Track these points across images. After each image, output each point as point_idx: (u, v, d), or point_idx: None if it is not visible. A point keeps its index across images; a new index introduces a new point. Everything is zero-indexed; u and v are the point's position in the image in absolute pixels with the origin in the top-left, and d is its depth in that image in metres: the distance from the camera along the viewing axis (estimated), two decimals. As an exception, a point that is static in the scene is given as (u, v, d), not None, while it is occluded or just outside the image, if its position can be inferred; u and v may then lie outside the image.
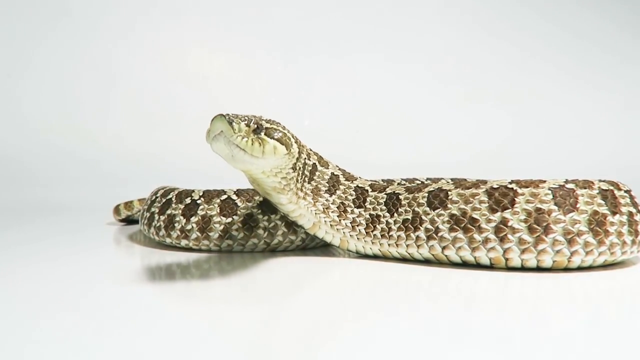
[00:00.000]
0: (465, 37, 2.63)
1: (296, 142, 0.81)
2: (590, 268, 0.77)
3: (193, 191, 0.97)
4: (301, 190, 0.84)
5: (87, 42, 2.31)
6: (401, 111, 2.48)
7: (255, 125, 0.72)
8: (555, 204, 0.74)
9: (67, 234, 1.25)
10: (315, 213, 0.86)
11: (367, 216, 0.86)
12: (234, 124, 0.69)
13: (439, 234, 0.78)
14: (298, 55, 2.48)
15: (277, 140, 0.74)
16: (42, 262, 0.90)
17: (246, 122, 0.71)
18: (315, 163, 0.87)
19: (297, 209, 0.84)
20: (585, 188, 0.76)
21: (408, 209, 0.82)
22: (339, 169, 0.90)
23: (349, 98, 2.47)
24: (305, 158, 0.84)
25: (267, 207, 0.93)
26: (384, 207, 0.85)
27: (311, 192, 0.86)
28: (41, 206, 1.73)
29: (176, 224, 0.95)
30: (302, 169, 0.83)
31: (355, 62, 2.52)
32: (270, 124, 0.75)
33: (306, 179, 0.85)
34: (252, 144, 0.71)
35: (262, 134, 0.72)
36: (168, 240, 0.97)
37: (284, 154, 0.76)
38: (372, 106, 2.48)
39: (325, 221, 0.86)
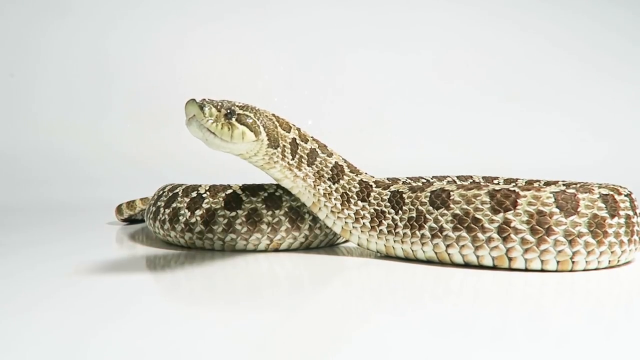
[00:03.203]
0: (471, 35, 2.61)
1: (267, 128, 0.82)
2: (594, 269, 0.78)
3: (199, 186, 0.97)
4: (298, 169, 0.87)
5: (90, 41, 2.31)
6: (405, 110, 2.47)
7: (227, 111, 0.75)
8: (557, 207, 0.75)
9: (69, 234, 1.24)
10: (314, 194, 0.88)
11: (372, 211, 0.87)
12: (205, 108, 0.73)
13: (444, 233, 0.79)
14: (302, 55, 2.48)
15: (247, 126, 0.77)
16: (44, 262, 0.90)
17: (217, 107, 0.74)
18: (314, 148, 0.89)
19: (295, 186, 0.87)
20: (586, 192, 0.77)
21: (412, 207, 0.83)
22: (345, 161, 0.91)
23: (353, 97, 2.47)
24: (294, 139, 0.87)
25: (272, 202, 0.93)
26: (388, 204, 0.86)
27: (313, 175, 0.88)
28: (42, 206, 1.72)
29: (181, 217, 0.95)
30: (288, 146, 0.85)
31: (359, 60, 2.52)
32: (243, 110, 0.78)
33: (303, 160, 0.87)
34: (222, 128, 0.74)
35: (234, 119, 0.75)
36: (172, 234, 0.97)
37: (252, 141, 0.79)
38: (376, 105, 2.48)
39: (326, 205, 0.88)
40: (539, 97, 2.60)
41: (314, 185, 0.88)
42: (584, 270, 0.77)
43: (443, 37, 2.60)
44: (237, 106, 0.77)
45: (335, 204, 0.88)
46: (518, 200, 0.76)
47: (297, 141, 0.87)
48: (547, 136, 2.51)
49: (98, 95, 2.29)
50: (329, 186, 0.88)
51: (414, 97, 2.51)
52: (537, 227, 0.75)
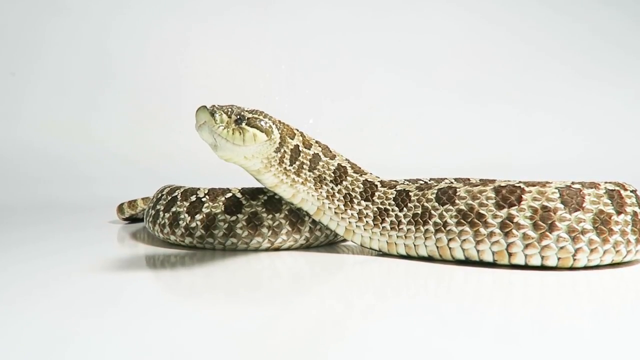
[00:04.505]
0: (469, 37, 2.62)
1: (280, 129, 0.84)
2: (596, 267, 0.78)
3: (198, 189, 0.97)
4: (297, 174, 0.86)
5: (90, 40, 2.32)
6: (406, 110, 2.47)
7: (237, 117, 0.76)
8: (562, 203, 0.75)
9: (71, 232, 1.25)
10: (318, 198, 0.88)
11: (375, 209, 0.88)
12: (216, 115, 0.74)
13: (447, 228, 0.80)
14: (303, 54, 2.48)
15: (257, 128, 0.78)
16: (45, 260, 0.90)
17: (228, 113, 0.76)
18: (317, 153, 0.89)
19: (297, 193, 0.87)
20: (592, 188, 0.77)
21: (417, 204, 0.84)
22: (348, 162, 0.92)
23: (353, 97, 2.46)
24: (297, 145, 0.87)
25: (272, 205, 0.93)
26: (393, 202, 0.87)
27: (313, 179, 0.88)
28: (44, 205, 1.73)
29: (181, 222, 0.95)
30: (289, 153, 0.86)
31: (359, 60, 2.52)
32: (252, 114, 0.79)
33: (304, 166, 0.88)
34: (233, 134, 0.75)
35: (243, 123, 0.77)
36: (172, 237, 0.97)
37: (264, 141, 0.80)
38: (376, 105, 2.47)
39: (329, 207, 0.89)
40: (538, 98, 2.60)
41: (315, 188, 0.88)
42: (585, 267, 0.76)
43: (443, 37, 2.60)
44: (246, 111, 0.78)
45: (338, 205, 0.89)
46: (523, 195, 0.76)
47: (300, 148, 0.88)
48: (545, 136, 2.51)
49: (98, 95, 2.29)
50: (331, 188, 0.89)
51: (414, 97, 2.51)
52: (540, 222, 0.75)
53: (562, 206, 0.75)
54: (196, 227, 0.93)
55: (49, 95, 2.25)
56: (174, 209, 0.97)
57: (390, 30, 2.55)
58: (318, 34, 2.50)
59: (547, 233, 0.74)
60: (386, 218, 0.86)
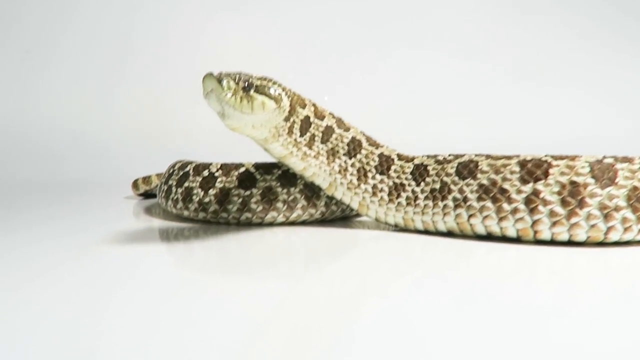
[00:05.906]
0: (488, 14, 2.54)
1: (290, 97, 0.81)
2: (627, 243, 0.73)
3: (210, 164, 0.95)
4: (309, 147, 0.83)
5: (104, 19, 2.32)
6: (423, 94, 2.43)
7: (245, 83, 0.73)
8: (592, 177, 0.70)
9: (86, 208, 1.26)
10: (330, 173, 0.85)
11: (391, 184, 0.84)
12: (223, 82, 0.71)
13: (467, 203, 0.76)
14: (318, 37, 2.43)
15: (266, 95, 0.75)
16: (63, 236, 0.90)
17: (235, 79, 0.72)
18: (331, 125, 0.86)
19: (308, 166, 0.84)
20: (625, 162, 0.72)
21: (436, 178, 0.81)
22: (364, 135, 0.88)
23: (371, 80, 2.41)
24: (308, 116, 0.83)
25: (287, 180, 0.90)
26: (410, 177, 0.83)
27: (326, 152, 0.85)
28: (61, 182, 1.75)
29: (194, 197, 0.93)
30: (299, 122, 0.82)
31: (377, 42, 2.47)
32: (261, 81, 0.76)
33: (316, 138, 0.84)
34: (241, 101, 0.72)
35: (252, 91, 0.73)
36: (186, 213, 0.95)
37: (274, 109, 0.77)
38: (394, 88, 2.42)
39: (342, 182, 0.86)
40: (556, 73, 2.52)
41: (328, 162, 0.85)
42: (615, 243, 0.72)
43: (458, 15, 2.50)
44: (255, 78, 0.75)
45: (351, 179, 0.85)
46: (550, 169, 0.71)
47: (311, 119, 0.84)
48: (565, 113, 2.42)
49: (115, 73, 2.29)
50: (344, 162, 0.86)
51: (431, 76, 2.45)
52: (569, 198, 0.70)
53: (592, 181, 0.70)
54: (210, 202, 0.92)
55: (65, 73, 2.25)
56: (186, 184, 0.95)
57: (403, 17, 2.48)
58: (330, 21, 2.44)
59: (577, 210, 0.70)
60: (402, 193, 0.83)
